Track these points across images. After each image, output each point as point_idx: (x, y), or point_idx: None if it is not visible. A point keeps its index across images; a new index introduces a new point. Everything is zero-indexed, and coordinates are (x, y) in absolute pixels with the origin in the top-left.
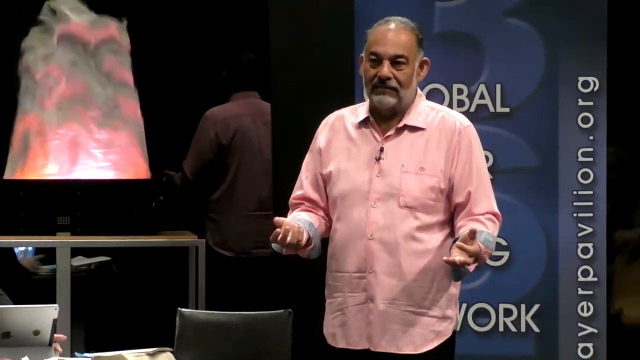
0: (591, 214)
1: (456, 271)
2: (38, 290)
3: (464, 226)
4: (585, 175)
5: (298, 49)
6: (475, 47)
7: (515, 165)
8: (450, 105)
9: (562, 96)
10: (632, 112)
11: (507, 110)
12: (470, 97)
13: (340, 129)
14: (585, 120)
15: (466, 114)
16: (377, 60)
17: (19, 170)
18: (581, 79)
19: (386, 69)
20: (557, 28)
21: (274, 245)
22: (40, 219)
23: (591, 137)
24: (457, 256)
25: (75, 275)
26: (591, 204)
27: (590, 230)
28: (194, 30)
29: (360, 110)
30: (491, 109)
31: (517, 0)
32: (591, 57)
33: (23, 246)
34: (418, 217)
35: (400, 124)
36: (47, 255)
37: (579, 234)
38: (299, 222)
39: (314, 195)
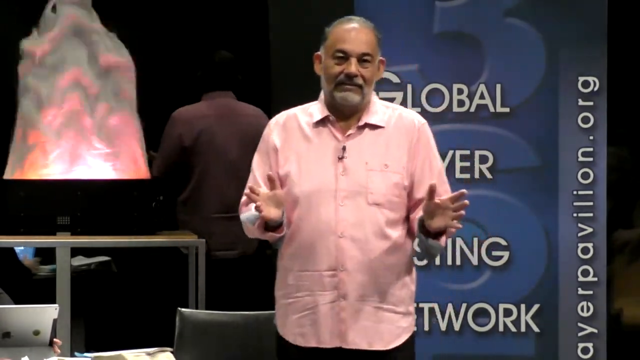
0: (591, 214)
1: (429, 249)
2: (38, 290)
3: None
4: (585, 175)
5: (298, 49)
6: (475, 47)
7: (515, 165)
8: (450, 105)
9: (562, 96)
10: (632, 112)
11: (507, 110)
12: (470, 97)
13: (294, 129)
14: (585, 120)
15: (466, 114)
16: (344, 58)
17: (19, 170)
18: (581, 79)
19: (354, 67)
20: (557, 28)
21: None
22: (40, 219)
23: (591, 137)
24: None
25: (75, 275)
26: (591, 204)
27: (590, 230)
28: (194, 28)
29: (313, 110)
30: (491, 109)
31: (517, 0)
32: (591, 57)
33: (23, 246)
34: (385, 214)
35: (361, 122)
36: (47, 255)
37: (579, 234)
38: None
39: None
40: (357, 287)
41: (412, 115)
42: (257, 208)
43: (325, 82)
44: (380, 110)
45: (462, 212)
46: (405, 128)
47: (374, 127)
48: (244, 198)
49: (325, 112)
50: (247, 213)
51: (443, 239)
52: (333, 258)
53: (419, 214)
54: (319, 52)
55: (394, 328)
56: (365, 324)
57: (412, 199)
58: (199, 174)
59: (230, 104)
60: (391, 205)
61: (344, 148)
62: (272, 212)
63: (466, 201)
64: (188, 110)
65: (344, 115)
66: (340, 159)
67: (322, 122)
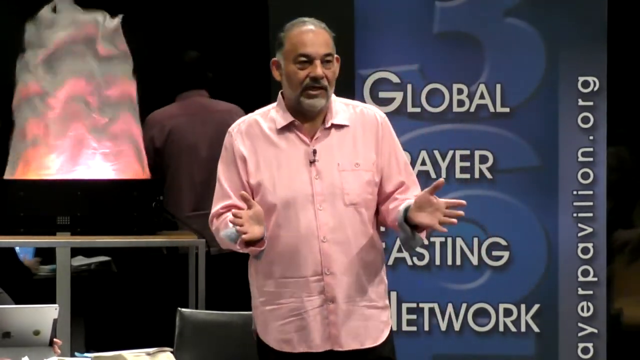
0: (591, 214)
1: (409, 240)
2: (38, 290)
3: (400, 204)
4: (585, 175)
5: None
6: (475, 47)
7: (515, 165)
8: (450, 105)
9: (562, 96)
10: (632, 112)
11: (507, 110)
12: (470, 97)
13: (258, 136)
14: (585, 120)
15: (466, 114)
16: (307, 62)
17: (19, 170)
18: (581, 79)
19: (319, 69)
20: (557, 28)
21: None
22: (40, 219)
23: (591, 137)
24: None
25: (75, 275)
26: (591, 204)
27: (590, 230)
28: (194, 28)
29: (274, 115)
30: (491, 109)
31: (517, 0)
32: (591, 57)
33: (23, 246)
34: (361, 213)
35: (327, 124)
36: (47, 255)
37: (579, 234)
38: None
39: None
40: (345, 289)
41: (373, 111)
42: (240, 232)
43: (290, 88)
44: (341, 108)
45: (454, 220)
46: (369, 125)
47: (339, 127)
48: (214, 209)
49: (289, 118)
50: (227, 230)
51: (424, 233)
52: (318, 263)
53: (389, 206)
54: (275, 59)
55: (379, 323)
56: (355, 324)
57: (382, 193)
58: (173, 174)
59: (202, 102)
60: (366, 203)
61: (314, 152)
62: (255, 231)
63: (461, 212)
64: (160, 113)
65: (308, 118)
66: (312, 162)
67: (287, 127)
